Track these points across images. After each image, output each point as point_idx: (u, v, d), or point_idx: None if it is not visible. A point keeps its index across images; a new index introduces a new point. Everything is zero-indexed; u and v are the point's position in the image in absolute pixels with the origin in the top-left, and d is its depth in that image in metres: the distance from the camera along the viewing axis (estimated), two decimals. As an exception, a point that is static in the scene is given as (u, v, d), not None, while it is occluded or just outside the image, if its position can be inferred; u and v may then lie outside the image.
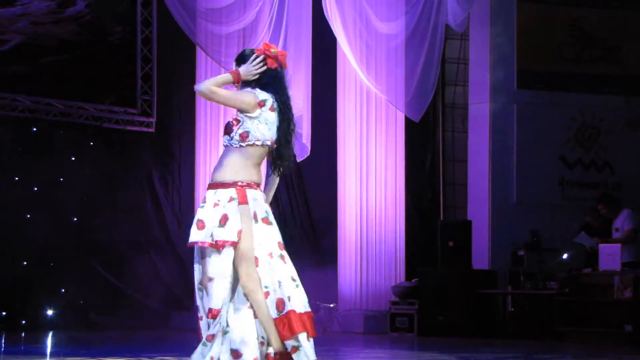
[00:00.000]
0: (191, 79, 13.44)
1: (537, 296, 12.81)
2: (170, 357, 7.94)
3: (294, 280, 5.71)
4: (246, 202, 5.66)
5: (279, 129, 5.78)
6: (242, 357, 5.58)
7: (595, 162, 15.05)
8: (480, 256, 14.00)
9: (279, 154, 5.83)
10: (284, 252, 5.75)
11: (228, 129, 5.74)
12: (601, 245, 12.12)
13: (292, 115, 5.87)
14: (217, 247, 5.57)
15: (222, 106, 13.36)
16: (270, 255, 5.67)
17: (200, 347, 5.62)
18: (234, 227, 5.61)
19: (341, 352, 10.01)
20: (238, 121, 5.73)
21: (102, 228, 12.84)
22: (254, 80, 5.78)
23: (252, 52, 5.84)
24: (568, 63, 15.06)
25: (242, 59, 5.84)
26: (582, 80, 15.05)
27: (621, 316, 11.56)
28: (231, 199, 5.65)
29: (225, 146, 5.76)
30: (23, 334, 11.38)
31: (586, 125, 15.04)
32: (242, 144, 5.71)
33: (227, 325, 5.62)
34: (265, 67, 5.80)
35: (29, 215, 12.49)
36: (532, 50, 14.84)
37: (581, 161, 15.00)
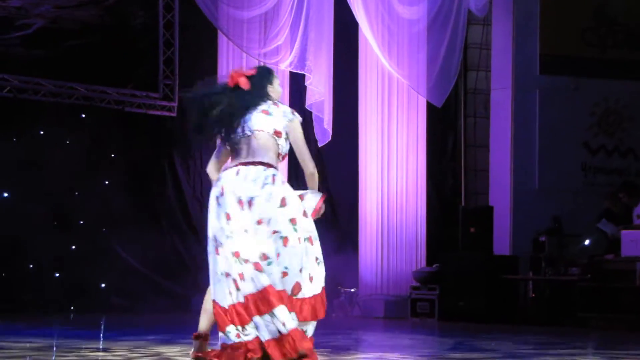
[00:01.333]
0: (213, 64, 13.45)
1: (558, 282, 12.78)
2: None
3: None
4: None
5: None
6: None
7: (619, 148, 14.99)
8: (502, 242, 13.99)
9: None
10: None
11: None
12: (623, 232, 12.06)
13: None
14: None
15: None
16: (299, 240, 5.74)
17: None
18: None
19: (362, 336, 10.02)
20: None
21: (124, 211, 12.87)
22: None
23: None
24: (592, 48, 14.98)
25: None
26: (606, 66, 14.97)
27: (642, 303, 11.51)
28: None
29: None
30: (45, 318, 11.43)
31: (610, 111, 14.98)
32: None
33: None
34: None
35: (51, 198, 12.52)
36: (555, 35, 14.77)
37: (604, 147, 14.93)
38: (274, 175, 5.80)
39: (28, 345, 7.43)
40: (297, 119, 5.95)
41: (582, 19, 14.96)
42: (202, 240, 13.19)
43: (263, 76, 6.04)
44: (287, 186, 5.85)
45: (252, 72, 6.06)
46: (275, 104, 5.98)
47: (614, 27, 15.08)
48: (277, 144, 5.88)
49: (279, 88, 6.09)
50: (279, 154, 5.91)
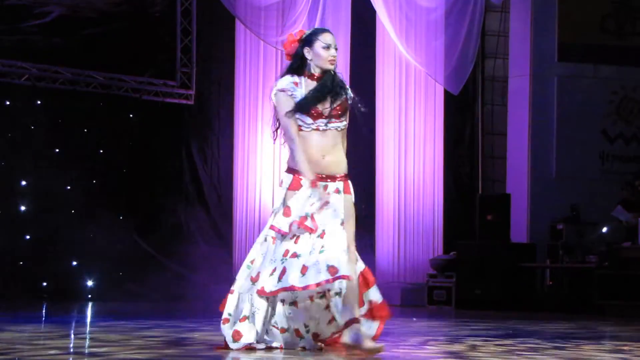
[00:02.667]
0: (230, 52, 13.47)
1: (576, 270, 12.77)
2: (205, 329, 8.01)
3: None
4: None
5: None
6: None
7: (637, 137, 14.94)
8: (519, 230, 13.98)
9: None
10: None
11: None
12: (640, 219, 12.06)
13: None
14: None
15: (261, 78, 13.48)
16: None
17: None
18: None
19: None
20: None
21: (141, 200, 12.92)
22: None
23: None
24: (610, 35, 14.93)
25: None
26: (625, 53, 14.91)
27: (660, 290, 11.50)
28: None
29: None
30: (63, 304, 11.50)
31: (628, 98, 14.92)
32: None
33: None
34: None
35: (69, 187, 12.59)
36: (573, 22, 14.71)
37: (622, 135, 14.89)
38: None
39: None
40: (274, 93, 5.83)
41: (600, 5, 14.91)
42: (219, 228, 13.32)
43: None
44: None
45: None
46: None
47: (633, 14, 15.01)
48: None
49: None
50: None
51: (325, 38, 5.78)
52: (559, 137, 14.54)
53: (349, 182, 5.92)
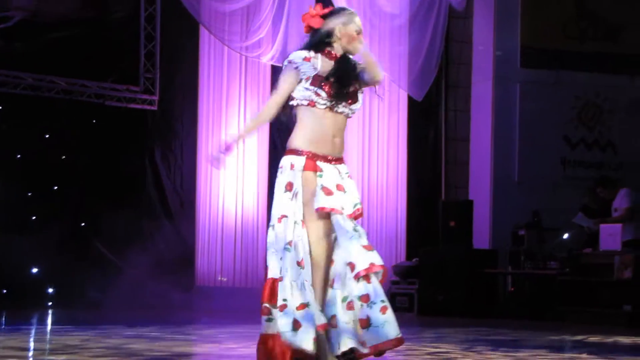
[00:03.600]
0: (194, 57, 13.45)
1: (537, 276, 12.84)
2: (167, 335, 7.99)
3: None
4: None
5: None
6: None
7: (598, 142, 15.04)
8: (481, 236, 14.04)
9: None
10: None
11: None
12: (602, 225, 12.13)
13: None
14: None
15: (225, 84, 13.47)
16: None
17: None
18: None
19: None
20: None
21: (104, 206, 12.85)
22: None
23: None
24: (572, 41, 15.03)
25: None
26: (586, 59, 15.01)
27: (621, 296, 11.58)
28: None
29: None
30: (23, 312, 11.43)
31: (590, 104, 15.03)
32: None
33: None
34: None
35: (30, 193, 12.51)
36: (535, 28, 14.81)
37: (584, 140, 14.99)
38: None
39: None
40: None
41: (562, 12, 15.00)
42: (182, 233, 13.28)
43: None
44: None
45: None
46: None
47: (594, 20, 15.12)
48: None
49: None
50: None
51: (358, 22, 5.61)
52: (522, 143, 14.62)
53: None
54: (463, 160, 15.03)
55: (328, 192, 5.39)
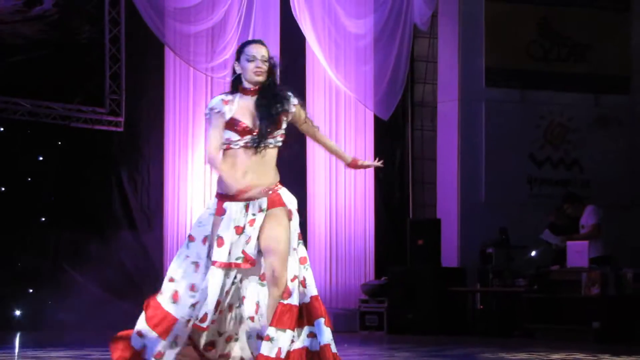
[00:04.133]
0: (160, 78, 13.42)
1: (505, 293, 12.87)
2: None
3: None
4: None
5: None
6: None
7: (564, 160, 15.12)
8: (450, 254, 14.06)
9: None
10: None
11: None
12: (569, 243, 12.17)
13: None
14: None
15: (191, 104, 13.45)
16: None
17: None
18: None
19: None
20: None
21: (70, 228, 12.76)
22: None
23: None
24: (537, 61, 15.13)
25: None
26: (551, 79, 15.11)
27: (589, 313, 11.61)
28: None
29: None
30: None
31: (555, 123, 15.12)
32: None
33: None
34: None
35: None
36: (500, 48, 14.89)
37: (550, 159, 15.06)
38: None
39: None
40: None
41: (526, 32, 15.09)
42: (150, 255, 13.21)
43: None
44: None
45: None
46: None
47: (558, 40, 15.23)
48: None
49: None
50: None
51: (249, 50, 5.66)
52: (488, 161, 14.66)
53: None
54: (430, 180, 15.05)
55: (220, 243, 5.50)
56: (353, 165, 6.00)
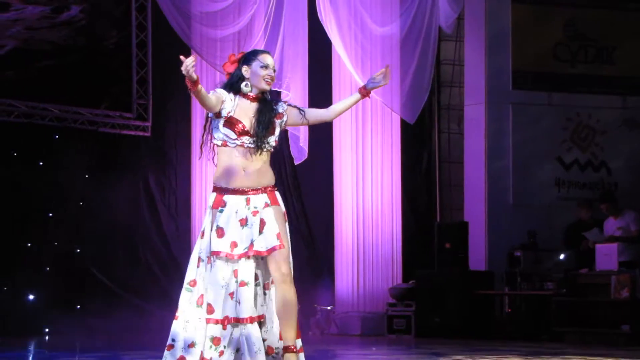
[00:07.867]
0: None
1: (534, 297, 12.82)
2: None
3: None
4: None
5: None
6: None
7: (592, 163, 15.06)
8: (477, 257, 14.01)
9: None
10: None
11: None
12: (597, 245, 12.13)
13: None
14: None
15: (217, 109, 13.45)
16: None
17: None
18: None
19: (338, 353, 10.01)
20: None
21: (98, 232, 12.82)
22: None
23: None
24: (563, 63, 15.07)
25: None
26: (578, 80, 15.06)
27: (618, 316, 11.55)
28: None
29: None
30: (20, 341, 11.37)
31: (582, 125, 15.05)
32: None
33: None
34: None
35: (25, 220, 12.48)
36: (527, 51, 14.85)
37: (577, 161, 15.01)
38: None
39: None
40: None
41: (553, 33, 15.04)
42: (177, 259, 13.24)
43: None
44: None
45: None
46: None
47: (585, 42, 15.17)
48: None
49: None
50: None
51: (264, 58, 5.84)
52: (515, 164, 14.62)
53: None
54: (457, 183, 15.03)
55: (220, 234, 5.71)
56: (364, 92, 6.20)
